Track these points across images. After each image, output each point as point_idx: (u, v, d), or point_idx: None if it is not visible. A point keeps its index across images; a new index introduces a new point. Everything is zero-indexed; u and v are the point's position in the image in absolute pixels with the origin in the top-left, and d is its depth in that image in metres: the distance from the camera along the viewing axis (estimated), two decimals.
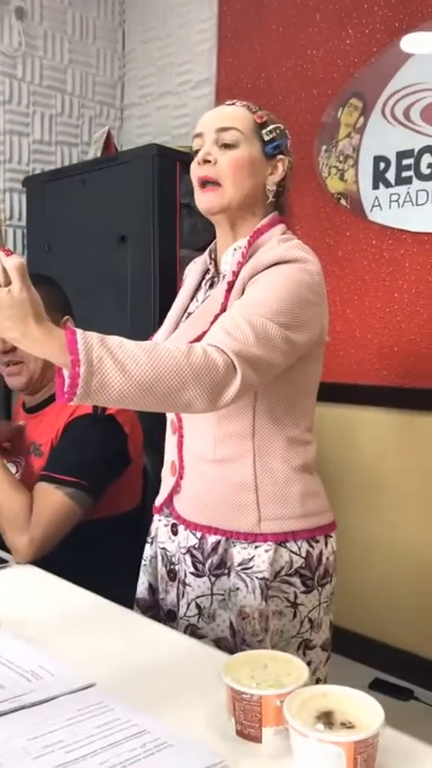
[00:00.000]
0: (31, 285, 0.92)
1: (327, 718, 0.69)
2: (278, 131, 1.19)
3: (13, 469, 1.54)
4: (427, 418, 2.36)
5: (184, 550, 1.19)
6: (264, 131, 1.17)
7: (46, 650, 0.92)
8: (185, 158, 2.44)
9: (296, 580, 1.13)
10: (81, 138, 3.15)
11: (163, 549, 1.25)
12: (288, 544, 1.13)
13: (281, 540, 1.13)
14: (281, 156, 1.19)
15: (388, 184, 2.40)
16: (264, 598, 1.11)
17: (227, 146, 1.14)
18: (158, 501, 1.26)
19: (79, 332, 0.89)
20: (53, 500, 1.36)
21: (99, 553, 1.42)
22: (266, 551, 1.12)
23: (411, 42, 2.32)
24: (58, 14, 3.03)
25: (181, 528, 1.20)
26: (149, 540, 1.30)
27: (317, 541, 1.16)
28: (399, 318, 2.42)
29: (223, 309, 1.11)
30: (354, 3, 2.48)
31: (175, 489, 1.21)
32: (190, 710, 0.81)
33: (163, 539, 1.25)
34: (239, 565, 1.13)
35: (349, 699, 0.72)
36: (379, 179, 2.42)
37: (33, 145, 3.00)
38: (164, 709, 0.80)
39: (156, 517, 1.28)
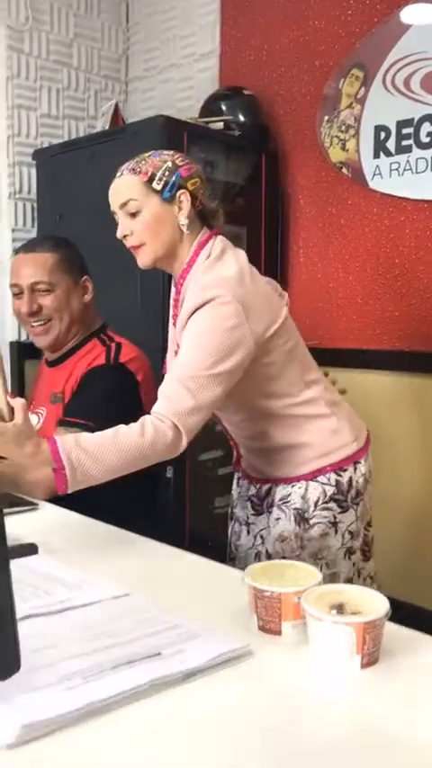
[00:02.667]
0: (27, 417, 1.15)
1: (339, 609, 0.79)
2: (167, 173, 1.34)
3: (35, 420, 1.64)
4: (427, 381, 2.45)
5: (245, 498, 1.53)
6: (153, 184, 1.33)
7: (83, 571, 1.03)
8: (192, 129, 2.53)
9: (333, 505, 1.40)
10: (87, 112, 3.21)
11: (233, 493, 1.59)
12: (318, 479, 1.40)
13: (310, 478, 1.40)
14: (180, 191, 1.34)
15: (388, 153, 2.47)
16: (297, 523, 1.38)
17: (133, 214, 1.35)
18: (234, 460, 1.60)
19: (58, 440, 1.15)
20: None
21: (105, 500, 1.53)
22: (299, 488, 1.40)
23: (411, 13, 2.38)
24: None
25: (244, 481, 1.55)
26: (234, 485, 1.61)
27: (344, 470, 1.41)
28: (399, 284, 2.50)
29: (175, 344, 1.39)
30: None
31: (238, 456, 1.55)
32: (216, 614, 0.91)
33: (235, 486, 1.60)
34: (280, 500, 1.42)
35: (360, 594, 0.83)
36: (380, 148, 2.49)
37: (41, 119, 3.06)
38: (191, 613, 0.89)
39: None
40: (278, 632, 0.85)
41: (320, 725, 0.68)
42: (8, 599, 0.61)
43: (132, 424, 1.20)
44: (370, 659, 0.77)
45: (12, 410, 1.14)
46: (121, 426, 1.20)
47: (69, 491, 1.16)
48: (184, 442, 1.23)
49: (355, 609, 0.80)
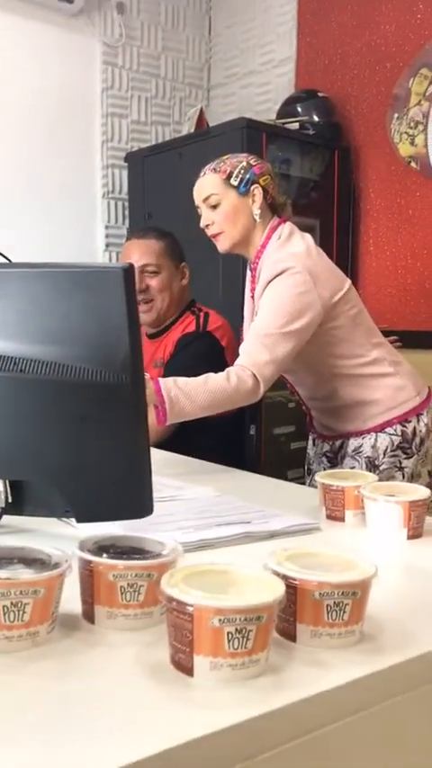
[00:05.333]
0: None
1: (390, 495, 1.01)
2: (242, 171, 1.58)
3: None
4: None
5: (320, 454, 1.73)
6: (231, 180, 1.58)
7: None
8: (270, 130, 2.77)
9: (399, 452, 1.60)
10: (173, 118, 3.49)
11: (309, 452, 1.80)
12: (386, 430, 1.60)
13: (379, 429, 1.60)
14: (254, 186, 1.58)
15: None
16: (368, 470, 1.56)
17: (214, 206, 1.59)
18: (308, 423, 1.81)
19: (161, 381, 1.39)
20: None
21: (199, 450, 1.77)
22: (370, 439, 1.61)
23: None
24: (152, 6, 3.37)
25: (318, 440, 1.75)
26: (310, 444, 1.81)
27: (409, 421, 1.60)
28: None
29: (253, 314, 1.61)
30: None
31: (310, 419, 1.76)
32: (292, 511, 1.13)
33: (310, 446, 1.80)
34: (353, 451, 1.63)
35: (407, 487, 1.04)
36: None
37: (131, 125, 3.37)
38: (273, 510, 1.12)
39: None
40: (342, 519, 1.07)
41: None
42: (146, 454, 0.85)
43: (220, 373, 1.45)
44: (415, 533, 0.98)
45: None
46: (210, 374, 1.45)
47: (167, 423, 1.40)
48: (262, 390, 1.47)
49: (405, 496, 1.01)
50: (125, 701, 0.53)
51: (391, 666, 0.59)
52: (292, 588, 0.61)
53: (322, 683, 0.55)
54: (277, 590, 0.56)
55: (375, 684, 0.58)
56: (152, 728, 0.49)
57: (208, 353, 1.84)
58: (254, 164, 1.61)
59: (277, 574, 0.62)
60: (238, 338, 1.81)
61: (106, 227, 3.32)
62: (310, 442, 1.81)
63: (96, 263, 0.76)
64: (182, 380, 1.41)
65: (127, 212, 3.32)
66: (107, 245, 3.33)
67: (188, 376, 1.76)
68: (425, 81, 2.72)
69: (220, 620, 0.53)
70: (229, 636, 0.53)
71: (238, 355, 1.55)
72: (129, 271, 0.79)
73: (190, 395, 1.39)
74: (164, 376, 1.82)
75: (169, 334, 1.94)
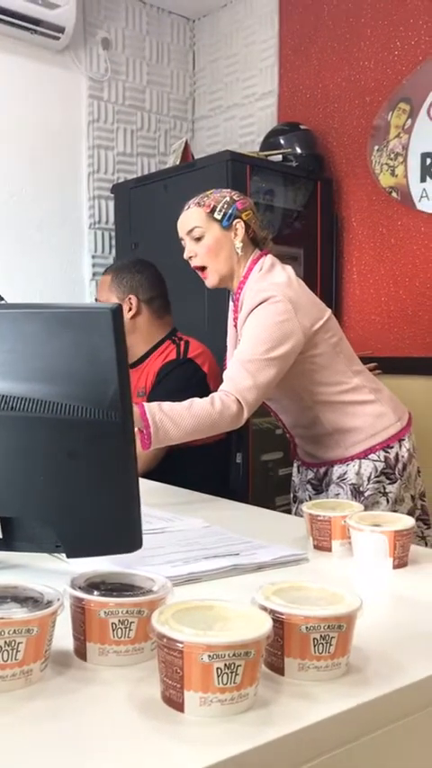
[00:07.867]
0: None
1: (376, 525, 1.03)
2: (225, 205, 1.62)
3: None
4: None
5: (305, 482, 1.75)
6: (214, 215, 1.62)
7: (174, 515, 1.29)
8: (254, 162, 2.83)
9: (383, 478, 1.63)
10: (158, 150, 3.56)
11: (295, 479, 1.82)
12: (369, 456, 1.63)
13: (362, 456, 1.63)
14: (236, 220, 1.62)
15: None
16: (354, 497, 1.60)
17: (197, 239, 1.63)
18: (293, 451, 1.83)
19: (146, 406, 1.40)
20: None
21: (187, 479, 1.78)
22: (354, 466, 1.63)
23: None
24: (137, 42, 3.45)
25: (303, 468, 1.77)
26: (295, 472, 1.83)
27: (391, 447, 1.64)
28: None
29: (236, 342, 1.65)
30: (401, 18, 2.80)
31: (294, 447, 1.78)
32: (279, 541, 1.15)
33: (295, 473, 1.82)
34: (338, 478, 1.66)
35: (391, 516, 1.06)
36: (426, 173, 2.72)
37: (117, 157, 3.42)
38: (261, 540, 1.14)
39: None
40: (329, 549, 1.08)
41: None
42: (136, 489, 0.87)
43: (204, 398, 1.47)
44: (400, 562, 1.00)
45: None
46: (195, 399, 1.47)
47: (152, 448, 1.41)
48: (245, 415, 1.49)
49: (389, 525, 1.03)
50: (118, 739, 0.54)
51: (378, 698, 0.60)
52: (279, 622, 0.62)
53: (310, 717, 0.56)
54: (264, 625, 0.58)
55: (363, 716, 0.59)
56: (144, 766, 0.50)
57: (190, 380, 1.87)
58: (237, 199, 1.65)
59: (264, 608, 0.63)
60: (220, 365, 1.84)
61: (93, 257, 3.36)
62: (295, 469, 1.84)
63: (85, 304, 0.79)
64: (166, 405, 1.43)
65: (113, 242, 3.36)
66: (94, 275, 3.36)
67: (161, 398, 1.79)
68: (403, 114, 2.80)
69: (209, 656, 0.54)
70: (219, 671, 0.54)
71: (220, 381, 1.58)
72: (117, 311, 0.82)
73: (174, 419, 1.41)
74: None
75: (149, 362, 1.96)
